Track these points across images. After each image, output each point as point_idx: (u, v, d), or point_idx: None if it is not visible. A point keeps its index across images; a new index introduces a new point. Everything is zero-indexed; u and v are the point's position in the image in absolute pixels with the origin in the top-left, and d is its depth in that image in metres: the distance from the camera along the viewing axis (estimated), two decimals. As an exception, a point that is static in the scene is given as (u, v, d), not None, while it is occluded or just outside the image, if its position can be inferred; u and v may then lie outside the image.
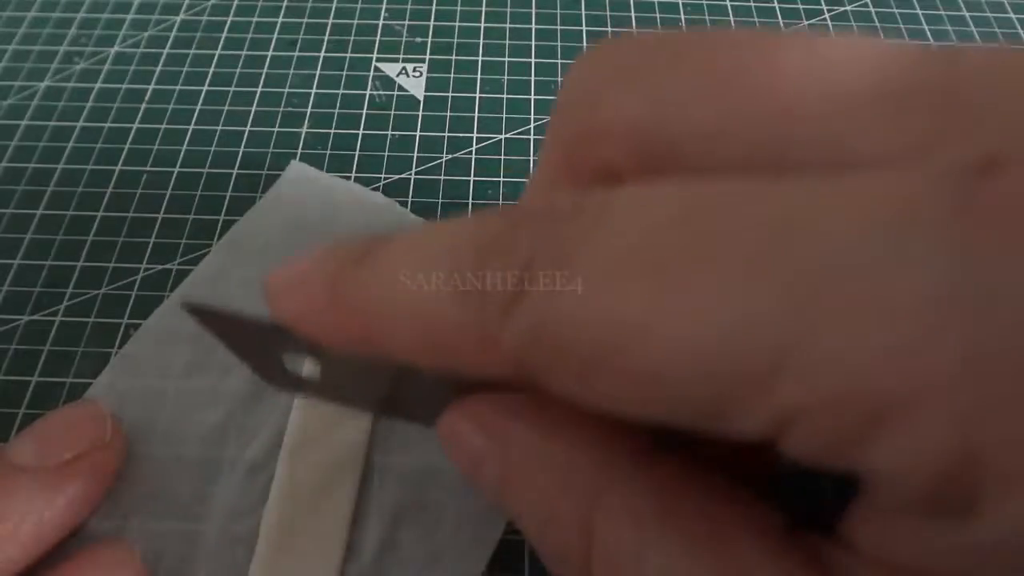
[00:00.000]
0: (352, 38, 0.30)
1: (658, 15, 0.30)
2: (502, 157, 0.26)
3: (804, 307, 0.09)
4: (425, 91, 0.28)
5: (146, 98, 0.28)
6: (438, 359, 0.12)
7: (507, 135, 0.27)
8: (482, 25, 0.30)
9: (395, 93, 0.28)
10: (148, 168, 0.26)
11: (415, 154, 0.26)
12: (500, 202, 0.25)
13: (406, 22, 0.30)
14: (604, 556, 0.13)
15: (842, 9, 0.31)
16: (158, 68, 0.28)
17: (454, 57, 0.29)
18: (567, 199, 0.11)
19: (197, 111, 0.27)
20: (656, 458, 0.13)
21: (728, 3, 0.31)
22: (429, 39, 0.30)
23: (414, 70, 0.29)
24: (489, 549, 0.18)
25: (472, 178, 0.26)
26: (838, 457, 0.09)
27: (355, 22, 0.30)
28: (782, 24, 0.30)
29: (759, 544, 0.12)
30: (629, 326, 0.10)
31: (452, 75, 0.28)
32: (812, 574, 0.11)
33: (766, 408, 0.09)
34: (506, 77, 0.28)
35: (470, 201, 0.25)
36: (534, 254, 0.11)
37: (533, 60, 0.29)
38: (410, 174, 0.25)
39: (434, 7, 0.31)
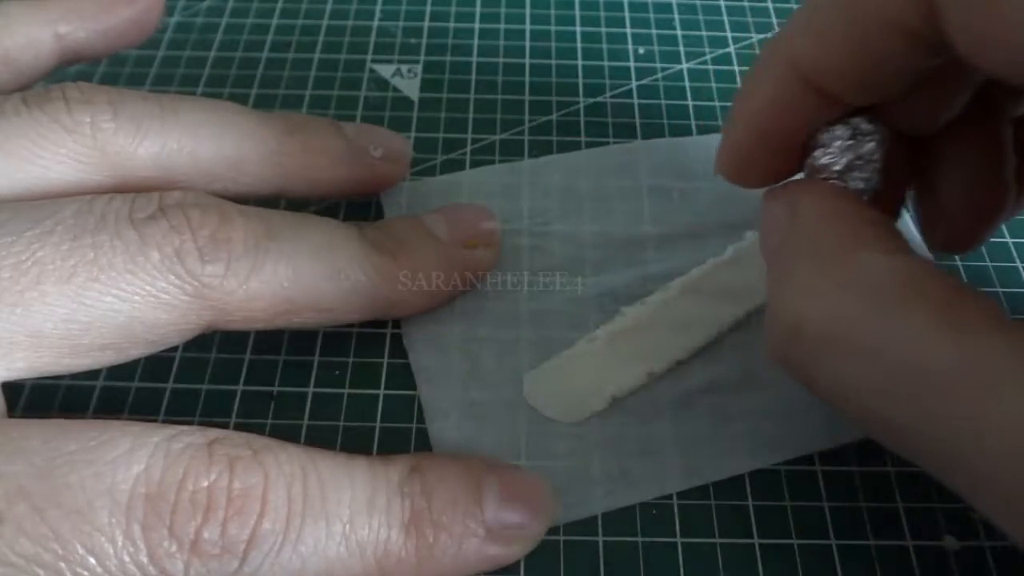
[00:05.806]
0: (347, 39, 0.30)
1: (652, 15, 0.31)
2: (496, 158, 0.26)
3: None
4: (420, 92, 0.28)
5: (141, 100, 0.28)
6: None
7: (502, 136, 0.27)
8: (476, 26, 0.30)
9: (389, 94, 0.28)
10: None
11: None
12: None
13: (400, 23, 0.30)
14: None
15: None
16: (152, 70, 0.28)
17: (448, 58, 0.29)
18: None
19: (192, 113, 0.27)
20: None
21: (722, 3, 0.31)
22: (423, 40, 0.30)
23: (408, 71, 0.29)
24: (779, 456, 0.20)
25: (467, 179, 0.25)
26: None
27: (349, 23, 0.30)
28: (775, 25, 0.30)
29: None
30: None
31: (447, 76, 0.28)
32: None
33: None
34: (500, 78, 0.28)
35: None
36: None
37: (528, 61, 0.29)
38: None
39: (428, 8, 0.31)
